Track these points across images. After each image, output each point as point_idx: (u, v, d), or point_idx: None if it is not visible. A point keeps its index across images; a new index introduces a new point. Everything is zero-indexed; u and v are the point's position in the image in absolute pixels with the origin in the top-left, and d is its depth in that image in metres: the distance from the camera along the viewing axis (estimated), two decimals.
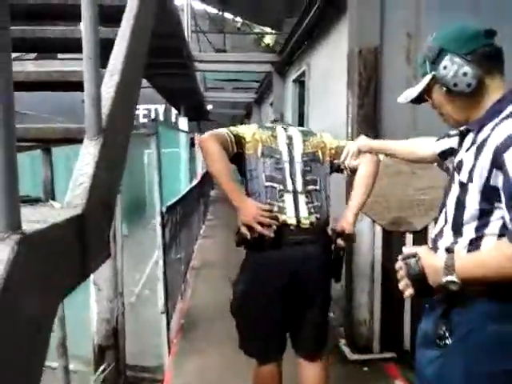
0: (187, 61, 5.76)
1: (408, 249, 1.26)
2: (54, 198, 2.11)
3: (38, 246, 0.86)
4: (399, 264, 1.23)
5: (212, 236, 7.14)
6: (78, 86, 1.72)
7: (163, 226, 3.07)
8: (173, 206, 3.69)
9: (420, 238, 2.68)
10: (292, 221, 1.74)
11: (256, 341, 1.85)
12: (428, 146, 1.56)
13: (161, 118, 13.68)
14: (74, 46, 1.96)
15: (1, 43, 0.73)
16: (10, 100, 0.75)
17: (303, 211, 1.76)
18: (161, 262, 3.06)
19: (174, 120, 13.50)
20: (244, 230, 1.71)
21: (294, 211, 1.75)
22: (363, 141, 1.83)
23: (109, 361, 2.76)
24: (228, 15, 15.28)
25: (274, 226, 1.68)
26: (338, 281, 1.86)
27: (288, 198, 1.77)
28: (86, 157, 1.27)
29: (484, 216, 1.14)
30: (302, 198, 1.78)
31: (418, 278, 1.16)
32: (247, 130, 1.88)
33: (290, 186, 1.79)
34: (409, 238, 2.68)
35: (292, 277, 1.73)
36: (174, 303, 3.61)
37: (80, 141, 1.48)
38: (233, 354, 2.91)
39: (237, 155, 1.80)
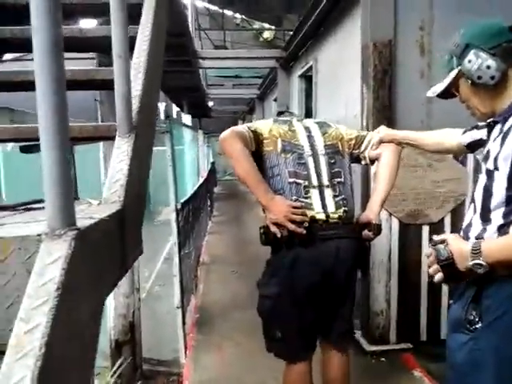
0: (192, 58, 5.77)
1: (438, 236, 1.29)
2: (77, 197, 2.12)
3: (91, 241, 0.88)
4: (429, 250, 1.27)
5: (219, 232, 7.17)
6: (104, 85, 1.75)
7: (178, 223, 3.09)
8: (185, 202, 3.71)
9: (437, 230, 2.70)
10: (321, 216, 1.70)
11: (287, 343, 1.76)
12: (454, 137, 1.58)
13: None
14: (74, 44, 1.98)
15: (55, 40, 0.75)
16: (64, 101, 0.76)
17: (330, 206, 1.73)
18: (176, 259, 3.08)
19: (175, 117, 13.46)
20: (274, 228, 1.65)
21: (322, 206, 1.72)
22: (385, 130, 1.84)
23: (125, 355, 2.78)
24: (228, 12, 15.24)
25: (306, 223, 1.63)
26: (365, 273, 1.85)
27: (314, 194, 1.73)
28: (119, 154, 1.29)
29: (511, 202, 1.17)
30: (328, 192, 1.74)
31: (447, 263, 1.20)
32: (264, 126, 1.83)
33: (315, 181, 1.74)
34: (425, 230, 2.70)
35: (325, 274, 1.69)
36: (188, 298, 3.64)
37: (109, 138, 1.50)
38: (248, 346, 2.96)
39: (254, 153, 1.75)
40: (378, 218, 1.79)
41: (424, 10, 2.67)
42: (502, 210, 1.20)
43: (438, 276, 1.24)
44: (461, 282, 1.26)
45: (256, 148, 1.76)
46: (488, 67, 1.21)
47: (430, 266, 1.27)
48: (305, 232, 1.63)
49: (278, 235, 1.64)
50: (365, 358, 2.75)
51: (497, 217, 1.21)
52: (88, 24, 3.04)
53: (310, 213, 1.68)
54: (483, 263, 1.13)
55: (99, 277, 0.95)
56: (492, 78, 1.22)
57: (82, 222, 0.86)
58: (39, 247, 0.76)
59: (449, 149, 1.63)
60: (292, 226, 1.62)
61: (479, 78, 1.23)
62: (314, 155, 1.79)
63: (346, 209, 1.75)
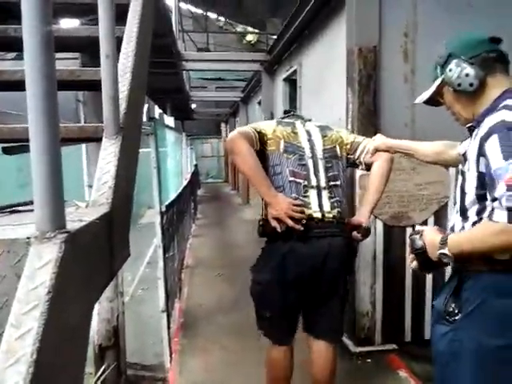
0: (176, 60, 5.75)
1: (419, 227, 1.43)
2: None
3: (82, 244, 0.86)
4: (408, 240, 1.41)
5: (203, 235, 7.14)
6: (89, 85, 1.73)
7: (163, 226, 3.06)
8: (170, 205, 3.68)
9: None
10: (317, 214, 1.82)
11: (274, 324, 1.93)
12: (453, 148, 1.63)
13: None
14: (59, 44, 1.95)
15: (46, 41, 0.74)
16: (55, 102, 0.75)
17: (326, 206, 1.84)
18: (161, 262, 3.05)
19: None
20: (275, 223, 1.77)
21: (318, 206, 1.83)
22: (381, 139, 1.89)
23: (109, 361, 2.74)
24: (211, 14, 15.23)
25: (304, 220, 1.76)
26: (351, 273, 1.95)
27: (312, 193, 1.84)
28: (107, 155, 1.27)
29: (481, 200, 1.26)
30: (325, 193, 1.86)
31: (420, 252, 1.34)
32: (268, 127, 1.94)
33: (313, 182, 1.86)
34: (409, 232, 2.74)
35: (316, 268, 1.80)
36: (173, 302, 3.61)
37: (95, 140, 1.48)
38: (234, 349, 2.95)
39: (258, 152, 1.85)
40: (368, 221, 1.91)
41: (408, 17, 2.71)
42: (476, 207, 1.29)
43: (414, 264, 1.38)
44: (434, 269, 1.40)
45: (260, 147, 1.87)
46: (467, 75, 1.30)
47: (409, 255, 1.41)
48: (302, 228, 1.76)
49: (279, 230, 1.77)
50: (351, 359, 2.77)
51: (472, 214, 1.30)
52: (68, 24, 2.99)
53: (307, 211, 1.80)
54: (448, 253, 1.24)
55: (89, 280, 0.94)
56: (471, 84, 1.31)
57: (72, 224, 0.85)
58: (28, 250, 0.74)
59: (447, 160, 1.67)
60: (291, 223, 1.74)
61: (459, 85, 1.32)
62: (314, 158, 1.90)
63: (339, 209, 1.87)
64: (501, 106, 1.27)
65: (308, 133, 1.98)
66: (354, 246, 1.92)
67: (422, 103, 1.49)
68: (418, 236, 1.35)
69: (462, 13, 2.71)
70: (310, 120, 2.11)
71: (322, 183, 1.86)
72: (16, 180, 4.62)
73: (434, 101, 1.47)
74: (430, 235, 1.33)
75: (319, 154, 1.92)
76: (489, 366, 1.25)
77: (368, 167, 1.95)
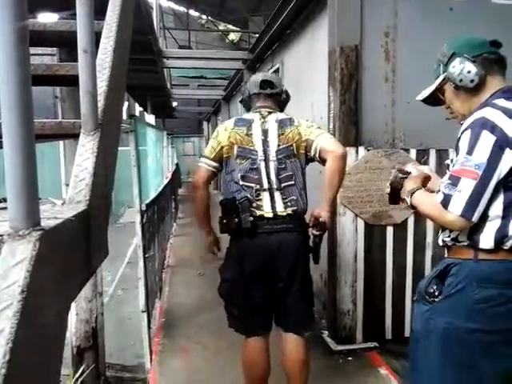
0: (157, 57, 5.68)
1: (412, 167, 1.57)
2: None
3: (57, 242, 0.84)
4: (394, 171, 1.57)
5: (184, 234, 7.08)
6: (67, 80, 1.69)
7: (143, 225, 3.02)
8: (150, 203, 3.63)
9: (401, 230, 2.78)
10: (269, 214, 1.94)
11: (243, 319, 2.02)
12: None
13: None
14: (35, 38, 1.90)
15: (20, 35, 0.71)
16: (29, 97, 0.73)
17: (279, 206, 1.94)
18: (141, 261, 3.01)
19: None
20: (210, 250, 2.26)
21: (271, 207, 1.94)
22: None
23: (88, 362, 2.69)
24: (193, 12, 15.14)
25: (251, 218, 1.90)
26: (317, 263, 2.03)
27: (265, 196, 1.95)
28: (84, 152, 1.25)
29: None
30: (277, 195, 1.95)
31: (393, 187, 1.53)
32: (223, 136, 2.01)
33: (265, 185, 1.95)
34: (390, 231, 2.77)
35: (269, 261, 1.93)
36: (153, 302, 3.57)
37: (72, 136, 1.45)
38: (215, 348, 2.94)
39: (221, 161, 2.04)
40: (327, 215, 1.97)
41: (389, 18, 2.73)
42: None
43: (387, 190, 1.56)
44: (396, 204, 1.59)
45: (220, 158, 2.04)
46: (469, 72, 1.38)
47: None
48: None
49: (214, 253, 2.24)
50: (332, 358, 2.78)
51: None
52: (47, 18, 2.93)
53: (259, 212, 1.94)
54: (408, 203, 1.46)
55: (65, 279, 0.91)
56: (471, 81, 1.38)
57: (47, 222, 0.82)
58: (1, 248, 0.72)
59: None
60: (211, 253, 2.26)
61: (461, 80, 1.40)
62: (266, 160, 1.97)
63: (294, 208, 1.95)
64: (488, 103, 1.34)
65: (264, 132, 1.99)
66: (314, 239, 2.00)
67: (421, 101, 1.55)
68: (401, 175, 1.52)
69: (442, 15, 2.75)
70: (274, 112, 2.06)
71: (274, 185, 1.95)
72: None
73: (434, 99, 1.53)
74: (409, 181, 1.49)
75: (272, 155, 1.96)
76: (454, 346, 1.34)
77: (324, 163, 1.98)
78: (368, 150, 2.71)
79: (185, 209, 9.81)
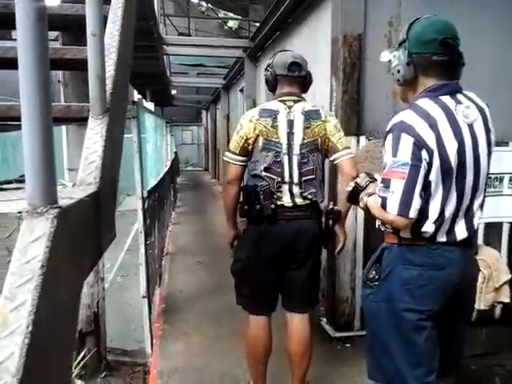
0: (158, 44, 5.65)
1: (379, 175, 1.56)
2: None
3: (72, 220, 0.86)
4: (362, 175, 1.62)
5: (183, 222, 7.11)
6: (73, 64, 1.69)
7: (144, 211, 3.04)
8: (151, 191, 3.65)
9: None
10: (289, 204, 2.01)
11: (252, 298, 2.10)
12: None
13: None
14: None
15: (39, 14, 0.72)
16: (47, 79, 0.74)
17: (298, 199, 2.01)
18: (142, 247, 3.03)
19: None
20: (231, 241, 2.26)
21: (290, 198, 2.01)
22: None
23: (89, 346, 2.73)
24: None
25: (272, 205, 1.98)
26: (326, 248, 2.18)
27: (285, 188, 2.00)
28: (93, 135, 1.26)
29: None
30: (297, 189, 2.00)
31: (356, 189, 1.56)
32: (248, 127, 1.99)
33: (287, 179, 1.99)
34: None
35: (288, 246, 2.01)
36: (153, 288, 3.60)
37: (80, 120, 1.46)
38: (215, 334, 2.98)
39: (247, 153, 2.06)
40: (343, 209, 2.10)
41: (393, 6, 2.73)
42: None
43: (348, 189, 1.60)
44: (353, 204, 1.68)
45: (246, 150, 2.03)
46: (398, 71, 1.42)
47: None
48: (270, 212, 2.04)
49: (233, 246, 2.24)
50: (330, 344, 2.83)
51: None
52: (50, 2, 2.90)
53: (279, 202, 2.00)
54: (361, 205, 1.54)
55: (79, 256, 0.93)
56: (398, 80, 1.45)
57: (62, 201, 0.84)
58: (19, 225, 0.74)
59: None
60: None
61: (392, 74, 1.46)
62: (290, 154, 1.99)
63: (312, 199, 2.03)
64: (411, 104, 1.39)
65: (289, 124, 1.97)
66: (327, 227, 2.08)
67: None
68: (368, 179, 1.55)
69: (445, 4, 2.75)
70: (300, 100, 2.04)
71: (295, 180, 1.99)
72: None
73: None
74: (372, 186, 1.52)
75: (296, 149, 1.98)
76: (395, 325, 1.44)
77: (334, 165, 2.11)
78: (369, 140, 2.73)
79: (184, 197, 9.83)
